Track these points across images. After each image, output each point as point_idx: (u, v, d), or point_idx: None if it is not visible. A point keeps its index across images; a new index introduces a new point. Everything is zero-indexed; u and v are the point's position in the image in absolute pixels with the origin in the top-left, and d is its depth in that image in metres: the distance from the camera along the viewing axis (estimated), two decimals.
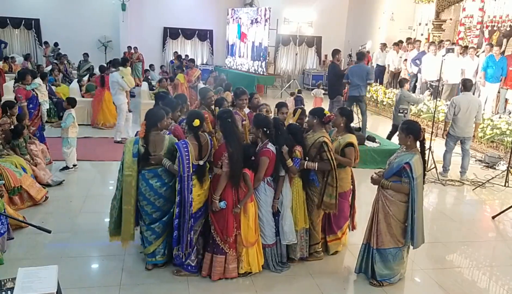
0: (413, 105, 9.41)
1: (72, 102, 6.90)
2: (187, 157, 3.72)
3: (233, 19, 16.93)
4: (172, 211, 4.00)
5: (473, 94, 10.85)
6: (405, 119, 7.79)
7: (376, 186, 4.09)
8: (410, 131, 3.85)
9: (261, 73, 15.29)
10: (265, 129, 4.08)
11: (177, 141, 4.00)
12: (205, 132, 4.05)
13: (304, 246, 4.38)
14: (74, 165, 6.90)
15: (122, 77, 8.53)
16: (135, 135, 4.18)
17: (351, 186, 4.60)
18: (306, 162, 4.17)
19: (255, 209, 4.06)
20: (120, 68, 8.78)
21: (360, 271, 4.19)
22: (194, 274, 4.05)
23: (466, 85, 7.18)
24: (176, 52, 16.35)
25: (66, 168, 6.79)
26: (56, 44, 15.57)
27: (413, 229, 3.86)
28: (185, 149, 3.73)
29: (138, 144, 3.91)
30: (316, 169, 4.20)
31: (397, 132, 4.03)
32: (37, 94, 7.25)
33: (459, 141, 7.34)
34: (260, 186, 4.09)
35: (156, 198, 3.96)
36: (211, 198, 3.89)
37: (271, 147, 4.04)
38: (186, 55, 16.42)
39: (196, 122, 3.81)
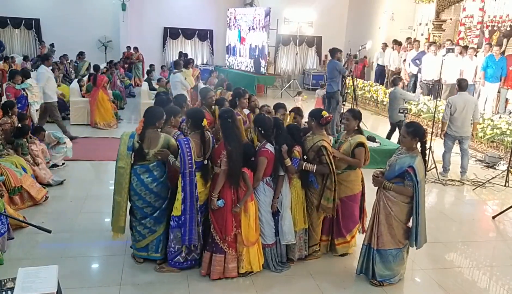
0: (406, 102, 9.44)
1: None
2: (189, 154, 3.76)
3: (235, 26, 17.04)
4: (163, 207, 4.06)
5: (473, 94, 10.92)
6: (404, 118, 7.81)
7: (374, 187, 4.08)
8: (416, 134, 3.82)
9: (251, 71, 15.49)
10: (260, 128, 4.09)
11: (173, 140, 4.07)
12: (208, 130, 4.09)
13: (302, 246, 4.38)
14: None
15: (185, 78, 9.19)
16: None
17: (361, 188, 4.54)
18: (304, 163, 4.16)
19: (256, 209, 4.07)
20: (183, 69, 9.43)
21: (361, 272, 4.18)
22: (177, 270, 4.06)
23: (461, 85, 7.23)
24: (181, 52, 16.32)
25: (55, 165, 6.85)
26: (52, 45, 15.54)
27: (417, 231, 3.84)
28: (187, 146, 3.77)
29: (134, 138, 3.98)
30: (314, 171, 4.19)
31: (401, 134, 3.95)
32: (26, 94, 7.25)
33: (457, 140, 7.37)
34: (259, 186, 4.09)
35: (147, 193, 4.01)
36: (210, 196, 3.91)
37: (269, 147, 4.05)
38: (186, 54, 16.35)
39: (205, 122, 3.88)
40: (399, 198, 3.87)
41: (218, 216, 3.92)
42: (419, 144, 3.93)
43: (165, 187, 4.09)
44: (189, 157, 3.76)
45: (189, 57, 15.27)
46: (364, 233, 4.66)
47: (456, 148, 7.55)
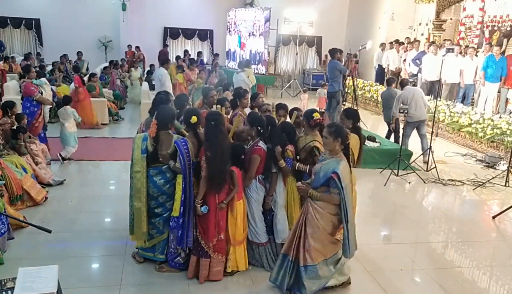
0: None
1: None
2: (187, 155, 3.76)
3: (235, 32, 17.13)
4: (172, 208, 4.02)
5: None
6: (404, 118, 7.84)
7: (374, 187, 4.05)
8: (339, 135, 3.58)
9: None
10: (259, 128, 4.08)
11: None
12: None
13: None
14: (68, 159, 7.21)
15: (248, 77, 9.78)
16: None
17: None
18: (297, 163, 4.13)
19: (244, 208, 4.05)
20: (245, 69, 10.14)
21: (276, 282, 3.86)
22: (177, 270, 4.06)
23: (403, 83, 8.32)
24: (186, 50, 16.35)
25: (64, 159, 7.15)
26: (39, 54, 15.42)
27: (348, 240, 3.59)
28: (185, 147, 3.78)
29: (147, 141, 3.95)
30: (307, 171, 4.14)
31: (323, 135, 3.69)
32: (42, 92, 7.30)
33: (415, 127, 8.06)
34: (252, 184, 4.08)
35: (159, 195, 4.01)
36: (194, 202, 3.87)
37: (262, 145, 4.05)
38: (200, 52, 16.44)
39: (194, 119, 3.84)
40: (327, 210, 3.62)
41: (203, 221, 3.91)
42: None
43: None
44: (188, 158, 3.76)
45: (191, 56, 15.36)
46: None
47: (451, 146, 7.53)
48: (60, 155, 7.13)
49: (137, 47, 16.16)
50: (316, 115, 4.15)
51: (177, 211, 3.86)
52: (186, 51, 16.08)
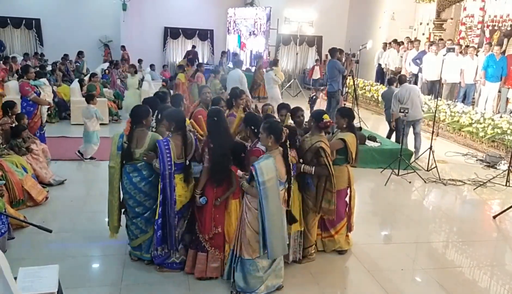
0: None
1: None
2: (168, 155, 3.73)
3: (234, 31, 17.13)
4: (154, 208, 4.02)
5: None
6: (405, 118, 7.83)
7: (375, 187, 4.05)
8: (272, 131, 3.53)
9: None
10: (253, 127, 4.04)
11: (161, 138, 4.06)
12: (190, 131, 4.07)
13: (297, 249, 4.32)
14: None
15: (275, 74, 10.63)
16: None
17: (347, 185, 4.54)
18: (302, 165, 4.11)
19: (239, 207, 4.02)
20: (274, 67, 10.93)
21: (228, 277, 3.88)
22: (177, 271, 4.07)
23: (401, 79, 8.36)
24: (224, 51, 16.22)
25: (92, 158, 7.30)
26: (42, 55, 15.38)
27: (265, 238, 3.49)
28: (166, 147, 3.75)
29: (123, 138, 4.00)
30: (313, 173, 4.13)
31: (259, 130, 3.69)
32: (40, 92, 7.29)
33: (411, 126, 8.11)
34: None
35: (136, 193, 4.01)
36: (194, 193, 3.91)
37: (261, 146, 3.98)
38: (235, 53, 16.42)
39: (188, 122, 3.90)
40: (253, 205, 3.58)
41: (200, 213, 3.93)
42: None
43: (155, 187, 4.02)
44: (168, 159, 3.72)
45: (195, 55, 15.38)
46: (350, 232, 4.68)
47: (450, 145, 7.51)
48: (79, 152, 7.21)
49: (122, 46, 15.92)
50: (326, 117, 4.16)
51: (157, 213, 3.86)
52: (223, 53, 15.99)
